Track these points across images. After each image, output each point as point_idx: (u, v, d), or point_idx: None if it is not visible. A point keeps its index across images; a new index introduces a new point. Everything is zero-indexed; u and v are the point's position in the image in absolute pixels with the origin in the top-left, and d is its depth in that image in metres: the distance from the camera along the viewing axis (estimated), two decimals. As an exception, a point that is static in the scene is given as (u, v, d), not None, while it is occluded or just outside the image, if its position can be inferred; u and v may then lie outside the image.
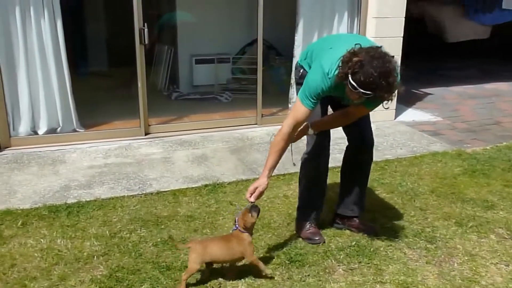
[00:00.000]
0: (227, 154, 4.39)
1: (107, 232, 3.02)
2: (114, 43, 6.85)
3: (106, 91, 6.17)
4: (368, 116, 2.92)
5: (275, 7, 6.06)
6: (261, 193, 2.61)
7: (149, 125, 4.75)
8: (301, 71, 2.84)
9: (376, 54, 2.30)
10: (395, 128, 5.25)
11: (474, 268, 2.70)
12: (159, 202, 3.47)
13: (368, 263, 2.72)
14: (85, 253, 2.79)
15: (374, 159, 4.03)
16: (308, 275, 2.61)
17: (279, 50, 6.48)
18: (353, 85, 2.30)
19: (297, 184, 3.55)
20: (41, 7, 4.19)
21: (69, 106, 4.53)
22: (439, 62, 9.18)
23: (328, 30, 5.28)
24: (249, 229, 2.55)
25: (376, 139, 4.83)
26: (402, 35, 5.26)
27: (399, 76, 2.41)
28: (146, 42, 4.47)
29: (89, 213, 3.26)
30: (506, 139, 4.93)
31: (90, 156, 4.25)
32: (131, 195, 3.55)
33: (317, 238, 2.95)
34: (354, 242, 2.93)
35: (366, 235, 3.00)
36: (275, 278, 2.57)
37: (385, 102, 2.45)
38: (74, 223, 3.12)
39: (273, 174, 3.64)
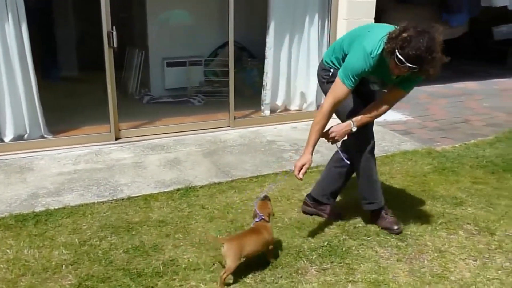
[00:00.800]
0: (200, 157, 4.36)
1: (77, 240, 2.96)
2: (82, 47, 6.75)
3: (75, 96, 6.05)
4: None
5: (247, 9, 6.08)
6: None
7: (120, 130, 4.68)
8: (332, 70, 2.92)
9: (423, 30, 2.44)
10: (367, 128, 5.30)
11: (443, 264, 2.74)
12: (130, 207, 3.42)
13: (340, 263, 2.73)
14: (53, 263, 2.72)
15: None
16: (281, 277, 2.60)
17: (252, 52, 6.48)
18: (401, 59, 2.43)
19: (270, 186, 3.58)
20: (4, 10, 4.09)
21: (36, 112, 4.42)
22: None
23: (299, 31, 5.31)
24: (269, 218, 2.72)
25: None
26: (371, 36, 5.32)
27: None
28: (115, 45, 4.41)
29: (58, 221, 3.18)
30: (475, 137, 5.04)
31: (59, 163, 4.16)
32: (101, 202, 3.48)
33: (395, 228, 3.02)
34: (327, 242, 2.94)
35: (338, 235, 3.02)
36: (247, 281, 2.56)
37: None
38: (42, 232, 3.04)
39: (246, 176, 3.68)
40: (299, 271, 2.66)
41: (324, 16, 5.30)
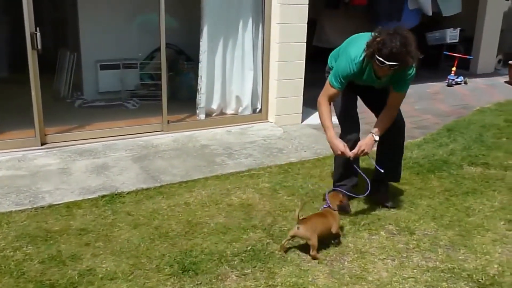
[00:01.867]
0: (129, 162, 4.25)
1: (-13, 251, 2.81)
2: (6, 49, 6.44)
3: (-1, 100, 5.78)
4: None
5: (183, 12, 6.02)
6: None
7: (46, 135, 4.49)
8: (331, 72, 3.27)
9: (393, 31, 2.78)
10: (301, 131, 5.37)
11: (362, 265, 2.79)
12: (51, 216, 3.28)
13: (262, 267, 2.73)
14: (-41, 277, 2.56)
15: (278, 162, 4.18)
16: (200, 283, 2.57)
17: (189, 55, 6.42)
18: (381, 60, 2.77)
19: (200, 191, 3.56)
20: None
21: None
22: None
23: (233, 35, 5.30)
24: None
25: (282, 142, 4.99)
26: (305, 41, 5.40)
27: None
28: (39, 47, 4.23)
29: (-31, 232, 3.01)
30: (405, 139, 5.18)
31: (-22, 170, 3.95)
32: (19, 210, 3.33)
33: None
34: (250, 247, 2.93)
35: (263, 239, 3.03)
36: (166, 289, 2.51)
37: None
38: (-50, 244, 2.87)
39: (175, 182, 3.62)
40: (219, 277, 2.63)
41: (258, 21, 5.33)
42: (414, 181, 4.04)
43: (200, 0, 5.04)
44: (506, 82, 8.89)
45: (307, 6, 5.30)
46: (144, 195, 3.65)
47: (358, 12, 8.71)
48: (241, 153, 4.61)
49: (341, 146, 3.17)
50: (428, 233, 3.18)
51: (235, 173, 4.11)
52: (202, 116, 5.30)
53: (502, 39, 10.46)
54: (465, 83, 8.44)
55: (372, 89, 3.29)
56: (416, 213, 3.44)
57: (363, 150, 3.14)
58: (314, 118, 5.89)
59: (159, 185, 3.82)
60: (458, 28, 9.11)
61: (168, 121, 5.02)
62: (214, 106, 5.42)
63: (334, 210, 3.00)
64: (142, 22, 6.11)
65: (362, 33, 3.20)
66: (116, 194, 3.61)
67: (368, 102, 3.52)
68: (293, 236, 2.87)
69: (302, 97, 5.61)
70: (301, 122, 5.66)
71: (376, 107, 3.38)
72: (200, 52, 5.16)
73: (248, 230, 3.15)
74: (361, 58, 2.96)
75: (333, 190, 3.19)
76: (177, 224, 3.24)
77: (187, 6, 5.89)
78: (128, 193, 3.66)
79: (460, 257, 2.90)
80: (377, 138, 3.16)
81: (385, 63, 2.78)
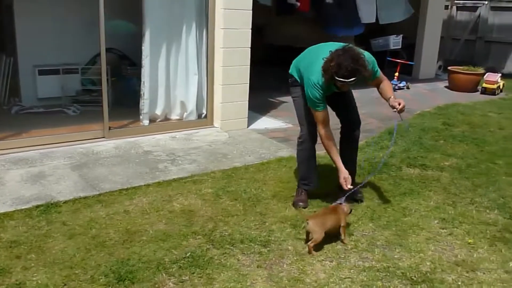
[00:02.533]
0: (67, 170, 4.11)
1: None
2: None
3: None
4: (354, 104, 3.77)
5: (125, 16, 5.91)
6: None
7: (-22, 143, 4.29)
8: (292, 79, 3.62)
9: (342, 51, 3.07)
10: (247, 136, 5.37)
11: (301, 268, 2.81)
12: (-20, 228, 3.12)
13: (200, 274, 2.70)
14: None
15: (222, 167, 4.20)
16: (136, 293, 2.51)
17: (133, 60, 6.30)
18: (341, 80, 3.06)
19: (140, 198, 3.50)
20: None
21: None
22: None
23: (177, 40, 5.25)
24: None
25: (227, 147, 4.97)
26: (249, 46, 5.42)
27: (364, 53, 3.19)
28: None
29: None
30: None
31: None
32: None
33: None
34: (189, 253, 2.89)
35: (203, 245, 3.00)
36: (100, 300, 2.43)
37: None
38: None
39: (115, 189, 3.56)
40: (156, 285, 2.58)
41: (202, 25, 5.31)
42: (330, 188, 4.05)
43: (141, 4, 4.95)
44: (446, 87, 9.27)
45: (251, 11, 5.33)
46: (82, 204, 3.54)
47: (307, 17, 8.84)
48: (185, 159, 4.56)
49: (341, 177, 3.39)
50: (366, 233, 3.25)
51: (178, 179, 4.06)
52: (146, 122, 5.21)
53: (442, 46, 10.92)
54: (408, 88, 8.73)
55: (337, 94, 3.49)
56: (355, 214, 3.50)
57: (404, 104, 3.34)
58: (260, 123, 5.93)
59: (98, 193, 3.71)
60: (401, 35, 9.42)
61: (109, 127, 4.90)
62: (158, 111, 5.34)
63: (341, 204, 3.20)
64: (85, 25, 5.94)
65: (314, 51, 3.43)
66: (51, 204, 3.48)
67: (333, 106, 3.70)
68: (308, 232, 3.04)
69: (247, 102, 5.63)
70: (247, 127, 5.67)
71: (340, 111, 3.76)
72: (143, 56, 5.07)
73: (188, 237, 3.11)
74: (323, 81, 3.23)
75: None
76: (115, 232, 3.16)
77: (129, 10, 5.77)
78: (65, 202, 3.54)
79: (395, 256, 2.97)
80: (394, 98, 3.40)
81: (345, 81, 3.07)
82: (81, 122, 5.27)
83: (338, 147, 3.72)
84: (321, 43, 3.48)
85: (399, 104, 3.31)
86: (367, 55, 3.26)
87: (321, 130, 3.41)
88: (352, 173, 3.71)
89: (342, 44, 3.24)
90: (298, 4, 8.27)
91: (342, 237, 3.10)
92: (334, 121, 3.66)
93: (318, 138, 3.57)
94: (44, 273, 2.66)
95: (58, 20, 5.88)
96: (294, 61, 3.63)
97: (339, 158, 3.43)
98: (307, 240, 3.06)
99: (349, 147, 3.80)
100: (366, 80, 3.33)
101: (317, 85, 3.25)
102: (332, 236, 3.08)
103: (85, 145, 4.70)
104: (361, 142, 5.23)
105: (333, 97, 3.49)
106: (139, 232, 3.16)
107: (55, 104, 5.74)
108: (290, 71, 3.65)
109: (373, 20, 8.63)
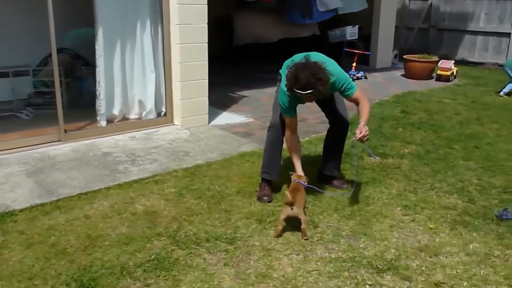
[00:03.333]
0: (22, 177, 3.95)
1: None
2: None
3: None
4: (343, 105, 3.82)
5: (76, 14, 5.72)
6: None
7: None
8: (279, 78, 3.64)
9: (302, 65, 3.14)
10: (208, 133, 5.31)
11: (268, 263, 2.79)
12: None
13: (166, 276, 2.64)
14: None
15: (185, 166, 4.30)
16: (100, 300, 2.43)
17: (88, 60, 6.11)
18: (300, 92, 3.13)
19: (101, 201, 3.40)
20: None
21: None
22: (261, 65, 9.65)
23: (131, 37, 5.12)
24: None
25: (189, 145, 4.91)
26: (206, 41, 5.35)
27: (329, 68, 3.22)
28: None
29: None
30: (309, 134, 5.32)
31: None
32: None
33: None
34: (154, 256, 2.83)
35: (167, 246, 2.94)
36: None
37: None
38: None
39: (74, 194, 3.69)
40: (121, 291, 2.51)
41: (157, 22, 5.19)
42: (314, 176, 4.12)
43: (93, 2, 4.80)
44: (402, 75, 9.46)
45: (206, 6, 5.25)
46: (40, 211, 3.41)
47: (270, 8, 8.79)
48: (145, 158, 4.46)
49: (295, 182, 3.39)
50: (331, 225, 3.27)
51: (139, 180, 3.97)
52: (103, 123, 5.07)
53: (397, 35, 11.14)
54: (366, 77, 8.86)
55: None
56: (319, 206, 3.51)
57: (365, 134, 3.34)
58: (221, 119, 5.88)
59: (56, 199, 3.58)
60: (357, 26, 9.53)
61: (65, 130, 4.74)
62: (116, 111, 5.21)
63: (304, 185, 3.32)
64: (34, 26, 5.71)
65: (299, 59, 3.37)
66: (6, 213, 3.33)
67: (322, 106, 3.90)
68: (287, 217, 3.07)
69: (207, 98, 5.56)
70: (208, 123, 5.61)
71: (328, 112, 3.87)
72: (97, 56, 4.91)
73: (152, 238, 3.04)
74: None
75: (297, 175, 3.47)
76: (76, 239, 3.05)
77: (80, 8, 5.59)
78: (21, 210, 3.40)
79: (360, 246, 3.00)
80: (366, 127, 3.40)
81: (302, 93, 3.13)
82: (35, 125, 5.06)
83: (323, 145, 4.04)
84: (312, 52, 3.47)
85: (360, 133, 3.32)
86: (337, 72, 3.33)
87: (287, 133, 3.57)
88: (336, 171, 3.96)
89: (322, 56, 3.39)
90: None
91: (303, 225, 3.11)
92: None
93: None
94: (1, 287, 2.54)
95: (5, 22, 5.63)
96: (285, 62, 3.59)
97: (299, 162, 3.54)
98: (278, 234, 3.06)
99: (333, 147, 3.93)
100: (344, 97, 3.50)
101: (286, 93, 3.35)
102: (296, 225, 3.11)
103: (40, 149, 4.52)
104: (321, 134, 5.30)
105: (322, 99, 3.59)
106: (101, 237, 3.07)
107: (6, 108, 5.50)
108: (280, 70, 3.67)
109: (339, 5, 8.67)
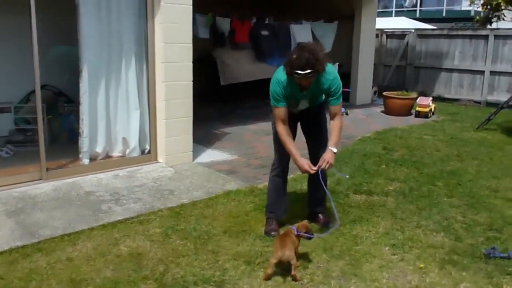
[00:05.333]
0: (2, 218, 3.83)
1: None
2: None
3: None
4: (326, 133, 3.78)
5: (59, 52, 5.71)
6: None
7: None
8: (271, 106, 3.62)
9: (302, 45, 3.28)
10: (193, 170, 5.27)
11: (258, 307, 2.73)
12: None
13: (154, 323, 2.55)
14: None
15: (169, 205, 4.33)
16: None
17: (70, 97, 6.08)
18: (297, 72, 3.19)
19: (84, 243, 3.30)
20: None
21: None
22: (238, 102, 9.74)
23: (116, 75, 5.12)
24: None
25: (173, 183, 4.85)
26: (191, 79, 5.37)
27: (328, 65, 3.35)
28: None
29: None
30: (293, 171, 5.31)
31: None
32: None
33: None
34: (141, 301, 2.74)
35: (167, 285, 2.85)
36: None
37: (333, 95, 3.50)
38: None
39: (56, 235, 3.56)
40: None
41: (142, 60, 5.21)
42: (304, 214, 4.10)
43: (78, 39, 4.80)
44: (382, 111, 9.64)
45: (191, 44, 5.31)
46: (20, 253, 3.29)
47: (247, 48, 8.94)
48: (129, 197, 4.39)
49: (305, 166, 3.47)
50: (321, 265, 3.23)
51: (123, 220, 3.89)
52: (86, 161, 4.99)
53: (375, 73, 11.41)
54: (347, 114, 8.99)
55: (308, 117, 3.73)
56: (308, 246, 3.47)
57: (328, 161, 3.44)
58: (205, 156, 5.85)
59: (37, 241, 3.47)
60: (337, 63, 9.74)
61: (47, 168, 4.64)
62: (99, 149, 5.14)
63: (296, 234, 3.22)
64: (16, 62, 5.67)
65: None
66: (-15, 256, 3.21)
67: (304, 127, 3.87)
68: (278, 262, 3.01)
69: (192, 136, 5.55)
70: (193, 160, 5.58)
71: (309, 134, 3.85)
72: (81, 93, 4.87)
73: (139, 282, 2.96)
74: (285, 78, 3.40)
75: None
76: (58, 283, 2.95)
77: (65, 45, 5.59)
78: (1, 253, 3.28)
79: (351, 287, 2.96)
80: (335, 150, 3.49)
81: (300, 73, 3.20)
82: (15, 163, 4.96)
83: (307, 180, 3.99)
84: None
85: (324, 161, 3.42)
86: (336, 74, 3.47)
87: (278, 126, 3.52)
88: (319, 207, 3.93)
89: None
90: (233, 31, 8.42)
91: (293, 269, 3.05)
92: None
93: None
94: (-21, 337, 2.41)
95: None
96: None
97: (295, 150, 3.51)
98: (267, 277, 3.01)
99: (313, 181, 3.82)
100: (329, 103, 3.54)
101: (280, 81, 3.42)
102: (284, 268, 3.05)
103: (21, 188, 4.41)
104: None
105: (304, 122, 3.76)
106: (85, 281, 2.97)
107: (-14, 146, 5.39)
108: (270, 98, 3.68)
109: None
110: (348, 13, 10.16)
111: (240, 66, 8.71)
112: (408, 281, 3.05)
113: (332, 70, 3.45)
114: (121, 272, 3.09)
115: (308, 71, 3.20)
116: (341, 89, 3.52)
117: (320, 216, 3.91)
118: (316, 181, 3.66)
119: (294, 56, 3.22)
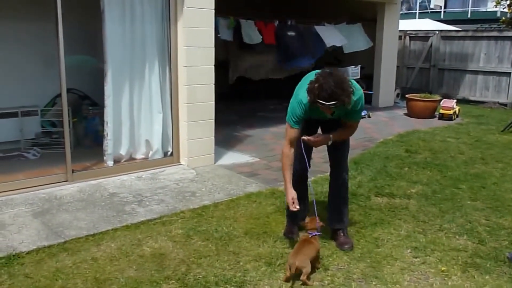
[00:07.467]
0: (29, 218, 3.93)
1: None
2: None
3: None
4: (348, 147, 3.70)
5: (86, 55, 5.84)
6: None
7: None
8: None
9: (327, 74, 3.08)
10: (214, 173, 5.32)
11: (279, 308, 2.75)
12: None
13: (176, 322, 2.59)
14: None
15: (191, 206, 4.32)
16: None
17: (94, 100, 6.21)
18: (322, 103, 3.06)
19: (108, 243, 3.35)
20: None
21: None
22: (261, 104, 9.78)
23: (140, 78, 5.21)
24: None
25: (195, 185, 4.90)
26: (213, 82, 5.43)
27: (354, 83, 3.22)
28: None
29: None
30: (315, 174, 5.31)
31: None
32: None
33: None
34: (163, 300, 2.78)
35: (189, 285, 2.89)
36: None
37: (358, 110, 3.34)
38: None
39: (81, 236, 3.62)
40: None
41: (165, 64, 5.29)
42: (324, 216, 4.10)
43: (103, 44, 4.91)
44: (405, 114, 9.55)
45: (213, 48, 5.37)
46: (46, 253, 3.38)
47: (270, 49, 9.00)
48: (152, 199, 4.46)
49: (289, 199, 3.34)
50: (342, 267, 3.23)
51: (146, 221, 3.95)
52: (110, 163, 5.08)
53: (398, 75, 11.30)
54: (369, 116, 8.93)
55: (330, 121, 3.49)
56: (328, 248, 3.48)
57: (315, 141, 3.39)
58: (227, 158, 5.90)
59: (63, 241, 3.56)
60: (359, 66, 9.70)
61: (72, 170, 4.75)
62: (123, 151, 5.23)
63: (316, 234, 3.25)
64: (43, 66, 5.82)
65: (311, 73, 3.37)
66: (13, 255, 3.30)
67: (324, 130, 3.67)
68: (296, 269, 2.98)
69: (213, 138, 5.60)
70: (214, 162, 5.63)
71: (331, 147, 3.63)
72: (105, 96, 4.98)
73: (161, 282, 3.01)
74: (307, 101, 3.22)
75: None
76: (83, 282, 3.01)
77: (91, 50, 5.72)
78: (28, 252, 3.37)
79: (372, 289, 2.96)
80: (330, 142, 3.43)
81: (325, 104, 3.06)
82: (42, 165, 5.09)
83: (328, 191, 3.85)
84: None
85: (315, 137, 3.39)
86: (357, 88, 3.25)
87: (284, 147, 3.42)
88: (338, 224, 3.65)
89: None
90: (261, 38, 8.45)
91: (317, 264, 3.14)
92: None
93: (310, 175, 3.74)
94: (8, 333, 2.49)
95: (15, 62, 5.75)
96: (305, 76, 3.50)
97: (290, 179, 3.39)
98: (287, 278, 3.01)
99: (334, 196, 3.76)
100: (346, 115, 3.34)
101: (302, 103, 3.27)
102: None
103: (47, 190, 4.53)
104: (327, 173, 5.34)
105: (327, 126, 3.55)
106: (109, 280, 3.03)
107: (13, 148, 5.54)
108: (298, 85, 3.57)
109: (344, 43, 8.97)
110: (370, 16, 10.11)
111: (254, 65, 8.81)
112: (429, 284, 3.02)
113: (356, 91, 3.22)
114: (144, 272, 3.14)
115: (333, 102, 3.05)
116: (363, 107, 3.38)
117: (341, 234, 3.61)
118: (334, 190, 3.72)
119: (316, 85, 3.06)
